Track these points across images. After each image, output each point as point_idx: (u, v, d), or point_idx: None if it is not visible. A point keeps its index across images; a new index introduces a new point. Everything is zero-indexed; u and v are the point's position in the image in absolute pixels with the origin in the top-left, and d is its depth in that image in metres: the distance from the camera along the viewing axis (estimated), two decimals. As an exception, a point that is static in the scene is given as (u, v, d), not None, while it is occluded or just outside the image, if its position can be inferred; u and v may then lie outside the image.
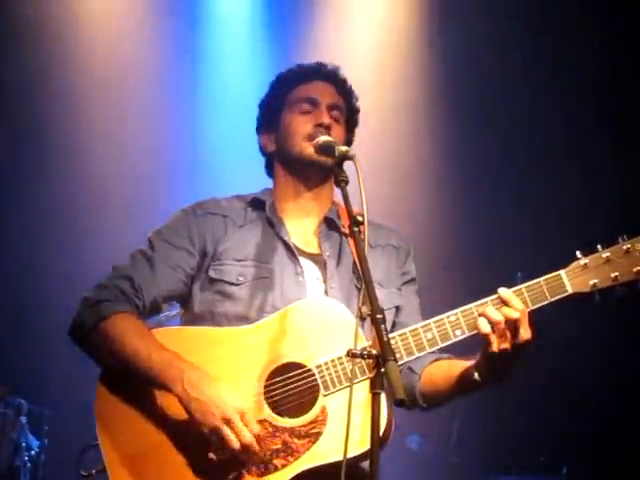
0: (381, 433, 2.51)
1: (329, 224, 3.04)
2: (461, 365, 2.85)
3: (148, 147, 6.16)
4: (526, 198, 6.01)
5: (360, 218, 2.49)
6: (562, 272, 2.78)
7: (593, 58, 5.91)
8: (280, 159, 3.09)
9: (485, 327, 2.70)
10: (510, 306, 2.70)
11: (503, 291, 2.74)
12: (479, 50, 6.07)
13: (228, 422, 2.63)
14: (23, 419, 5.41)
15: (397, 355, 2.71)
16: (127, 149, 6.15)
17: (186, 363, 2.71)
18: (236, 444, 2.63)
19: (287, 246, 2.97)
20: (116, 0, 6.26)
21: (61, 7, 6.13)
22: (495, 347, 2.69)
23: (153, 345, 2.76)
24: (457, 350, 2.87)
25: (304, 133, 2.99)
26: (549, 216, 5.90)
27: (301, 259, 2.96)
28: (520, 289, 2.77)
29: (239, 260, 2.93)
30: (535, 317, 2.74)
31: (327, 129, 2.97)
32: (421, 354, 2.78)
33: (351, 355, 2.38)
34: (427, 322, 2.79)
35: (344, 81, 3.14)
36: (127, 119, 6.15)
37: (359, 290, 2.85)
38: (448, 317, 2.77)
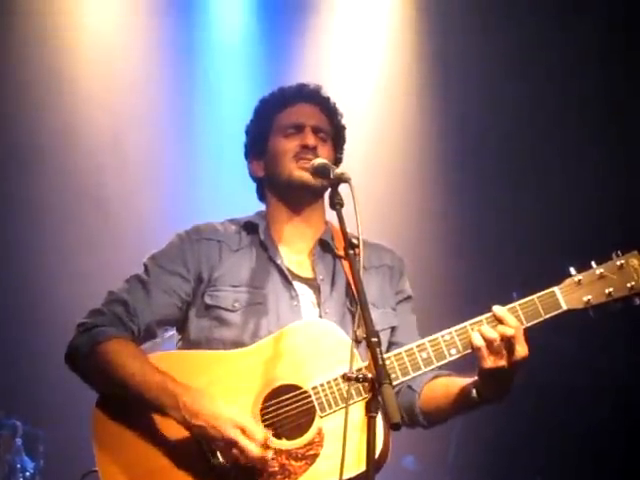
0: (377, 455, 2.56)
1: (323, 246, 3.09)
2: (460, 383, 2.89)
3: (146, 167, 6.20)
4: (521, 219, 6.05)
5: (355, 241, 2.55)
6: (556, 289, 2.83)
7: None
8: (270, 183, 3.14)
9: (478, 341, 2.75)
10: (504, 323, 2.76)
11: (497, 309, 2.80)
12: (478, 63, 6.13)
13: (231, 441, 2.67)
14: (18, 440, 5.46)
15: (393, 375, 2.76)
16: (125, 168, 6.20)
17: (181, 386, 2.76)
18: (244, 459, 2.66)
19: (281, 271, 3.02)
20: (111, 15, 6.29)
21: (52, 27, 6.16)
22: (489, 363, 2.74)
23: (148, 369, 2.80)
24: (456, 367, 2.90)
25: (290, 154, 3.05)
26: (545, 236, 5.95)
27: (295, 283, 3.01)
28: (514, 307, 2.82)
29: (234, 286, 2.98)
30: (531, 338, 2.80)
31: (313, 150, 3.03)
32: (417, 374, 2.82)
33: (346, 379, 2.43)
34: (422, 341, 2.83)
35: (327, 100, 3.19)
36: (124, 144, 6.19)
37: (353, 314, 2.93)
38: (443, 336, 2.81)
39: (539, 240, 5.91)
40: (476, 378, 2.82)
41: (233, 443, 2.68)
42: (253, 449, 2.67)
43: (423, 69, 6.40)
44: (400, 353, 2.81)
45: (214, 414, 2.70)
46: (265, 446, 2.70)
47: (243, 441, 2.67)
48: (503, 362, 2.74)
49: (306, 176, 2.97)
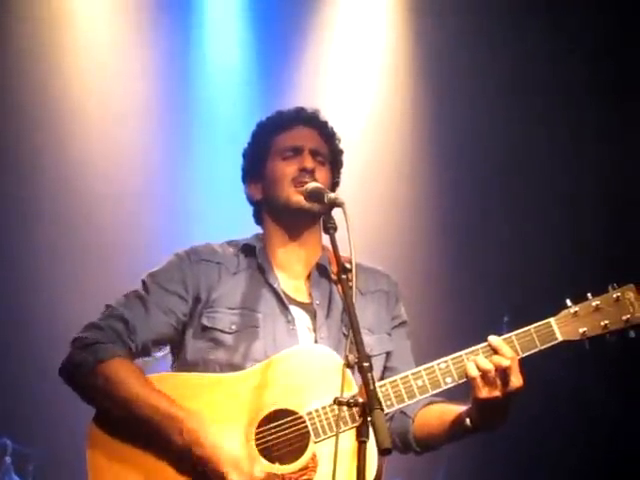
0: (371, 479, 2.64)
1: (320, 270, 3.13)
2: (454, 410, 2.93)
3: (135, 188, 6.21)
4: (516, 245, 6.06)
5: (348, 266, 2.58)
6: (552, 320, 2.88)
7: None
8: (268, 207, 3.17)
9: (473, 371, 2.79)
10: (500, 354, 2.80)
11: (493, 339, 2.84)
12: (472, 77, 6.17)
13: (224, 476, 2.71)
14: (8, 459, 5.48)
15: (388, 402, 2.81)
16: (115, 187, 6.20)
17: (185, 412, 2.80)
18: None
19: (277, 294, 3.05)
20: (104, 35, 6.29)
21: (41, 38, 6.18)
22: (484, 394, 2.78)
23: (152, 393, 2.84)
24: (451, 393, 2.92)
25: (289, 178, 3.08)
26: (537, 260, 5.98)
27: (292, 307, 3.04)
28: (510, 337, 2.86)
29: (231, 308, 3.01)
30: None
31: (311, 173, 3.07)
32: (412, 401, 2.86)
33: (337, 403, 2.47)
34: (418, 369, 2.87)
35: (325, 124, 3.23)
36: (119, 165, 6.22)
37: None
38: (438, 364, 2.85)
39: (533, 266, 5.92)
40: (470, 406, 2.85)
41: (225, 477, 2.71)
42: None
43: (419, 97, 6.44)
44: (395, 380, 2.85)
45: (216, 446, 2.75)
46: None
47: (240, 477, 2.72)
48: (497, 393, 2.78)
49: (303, 201, 3.00)
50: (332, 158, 3.21)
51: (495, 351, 2.81)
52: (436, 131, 6.37)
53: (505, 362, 2.77)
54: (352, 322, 2.49)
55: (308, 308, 3.06)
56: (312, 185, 2.94)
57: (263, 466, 2.77)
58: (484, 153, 6.15)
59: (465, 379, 2.82)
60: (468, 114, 6.16)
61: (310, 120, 3.20)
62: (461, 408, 2.90)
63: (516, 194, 6.11)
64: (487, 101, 6.11)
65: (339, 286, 2.93)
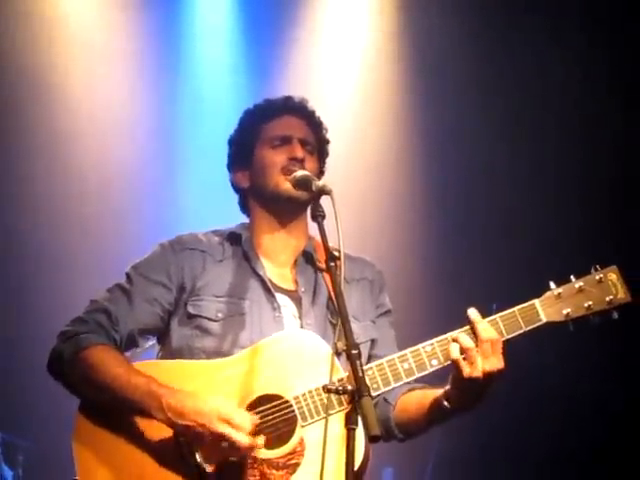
0: (357, 467, 2.65)
1: (306, 258, 3.16)
2: (433, 394, 2.97)
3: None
4: (501, 228, 6.09)
5: (336, 253, 2.60)
6: (536, 301, 2.93)
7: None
8: (255, 195, 3.20)
9: (455, 353, 2.84)
10: (479, 328, 2.83)
11: (472, 312, 2.86)
12: (462, 72, 6.18)
13: (220, 436, 2.71)
14: (-3, 449, 5.52)
15: (374, 385, 2.85)
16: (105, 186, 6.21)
17: (165, 388, 2.81)
18: (234, 451, 2.71)
19: (263, 282, 3.09)
20: (92, 21, 6.26)
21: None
22: (465, 373, 2.82)
23: (132, 372, 2.86)
24: (433, 380, 2.96)
25: (279, 166, 3.11)
26: (525, 247, 6.01)
27: (277, 295, 3.08)
28: (495, 319, 2.91)
29: (217, 296, 3.04)
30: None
31: (301, 162, 3.09)
32: (398, 384, 2.90)
33: (326, 390, 2.48)
34: (404, 352, 2.91)
35: (313, 113, 3.26)
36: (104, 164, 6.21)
37: (334, 326, 3.00)
38: (424, 347, 2.89)
39: (522, 252, 5.95)
40: (448, 387, 2.90)
41: (221, 437, 2.72)
42: (242, 439, 2.72)
43: (405, 88, 6.45)
44: (382, 364, 2.89)
45: (199, 411, 2.75)
46: (254, 432, 2.74)
47: (231, 433, 2.72)
48: (478, 373, 2.81)
49: (292, 189, 3.01)
50: (319, 148, 3.24)
51: (473, 326, 2.84)
52: (422, 122, 6.36)
53: (485, 335, 2.80)
54: (341, 309, 2.51)
55: (294, 295, 3.09)
56: (300, 173, 2.96)
57: (253, 417, 2.77)
58: (469, 144, 6.17)
59: (450, 361, 2.85)
60: (455, 107, 6.17)
61: (298, 109, 3.23)
62: (439, 391, 2.94)
63: (502, 181, 6.15)
64: (473, 94, 6.12)
65: (325, 274, 3.05)
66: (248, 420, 2.76)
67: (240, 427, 2.73)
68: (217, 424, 2.73)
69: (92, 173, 6.13)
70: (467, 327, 2.88)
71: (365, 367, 2.84)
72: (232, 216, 3.26)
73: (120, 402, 2.84)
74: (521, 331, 2.90)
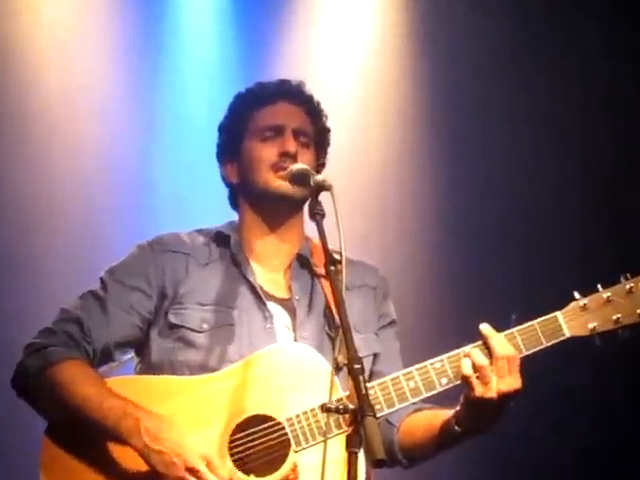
0: (358, 494, 2.58)
1: (301, 262, 3.09)
2: (443, 415, 2.90)
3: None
4: (522, 231, 5.99)
5: (337, 256, 2.54)
6: (559, 314, 2.87)
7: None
8: (244, 192, 3.14)
9: (467, 369, 2.79)
10: (493, 345, 2.79)
11: (485, 327, 2.83)
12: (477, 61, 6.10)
13: (193, 471, 2.69)
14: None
15: (377, 407, 2.79)
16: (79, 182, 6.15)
17: (142, 411, 2.76)
18: None
19: (253, 289, 3.03)
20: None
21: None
22: (477, 393, 2.77)
23: (105, 393, 2.80)
24: (443, 400, 2.93)
25: (268, 162, 3.05)
26: (545, 254, 5.92)
27: (269, 303, 3.02)
28: (512, 333, 2.85)
29: (202, 304, 2.99)
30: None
31: (293, 158, 3.01)
32: (403, 405, 2.84)
33: (325, 410, 2.43)
34: (409, 370, 2.85)
35: (310, 99, 3.19)
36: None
37: (332, 339, 2.97)
38: (433, 364, 2.84)
39: (542, 257, 5.85)
40: (458, 408, 2.84)
41: (194, 472, 2.69)
42: None
43: (415, 72, 6.31)
44: (385, 382, 2.83)
45: (178, 442, 2.71)
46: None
47: (206, 473, 2.68)
48: (492, 393, 2.77)
49: (285, 186, 2.96)
50: (318, 138, 3.17)
51: (485, 341, 2.80)
52: (432, 112, 6.25)
53: (500, 351, 2.76)
54: (342, 319, 2.44)
55: (287, 304, 3.03)
56: (297, 167, 2.87)
57: (237, 478, 2.72)
58: (482, 137, 6.08)
59: (461, 380, 2.80)
60: (469, 96, 6.07)
61: (294, 94, 3.16)
62: (449, 412, 2.88)
63: (519, 178, 6.11)
64: (489, 81, 6.03)
65: (323, 280, 3.02)
66: (227, 469, 2.72)
67: (217, 470, 2.69)
68: (194, 458, 2.69)
69: (63, 169, 6.12)
70: (480, 342, 2.83)
71: (367, 385, 2.70)
72: (219, 214, 3.19)
73: (92, 425, 2.78)
74: (542, 347, 2.84)
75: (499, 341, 2.81)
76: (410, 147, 6.43)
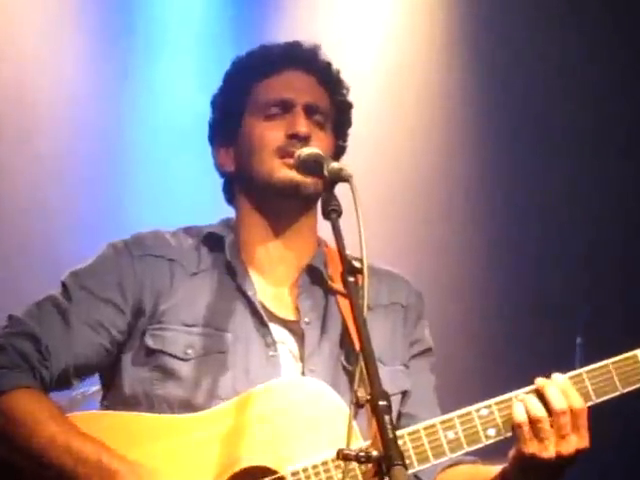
0: None
1: (312, 275, 2.96)
2: (487, 473, 2.82)
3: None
4: (587, 244, 5.95)
5: (357, 264, 2.40)
6: (639, 352, 2.78)
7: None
8: (243, 183, 3.01)
9: (520, 415, 2.69)
10: (558, 402, 2.70)
11: (540, 381, 2.73)
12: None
13: None
14: None
15: (406, 462, 2.60)
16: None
17: (120, 461, 2.65)
18: None
19: (253, 307, 2.90)
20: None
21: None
22: (530, 449, 2.68)
23: (72, 434, 2.69)
24: (487, 453, 2.81)
25: (273, 146, 2.92)
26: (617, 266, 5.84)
27: (272, 326, 2.90)
28: (580, 374, 2.76)
29: (188, 325, 2.87)
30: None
31: (305, 141, 2.86)
32: (439, 461, 2.74)
33: (342, 457, 2.27)
34: (449, 416, 2.74)
35: (327, 67, 3.06)
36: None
37: (348, 373, 2.88)
38: (478, 410, 2.74)
39: (613, 274, 5.75)
40: (508, 465, 2.74)
41: None
42: None
43: (454, 39, 6.43)
44: (417, 431, 2.72)
45: None
46: None
47: None
48: (550, 452, 2.67)
49: (293, 176, 2.83)
50: (336, 115, 3.03)
51: (541, 391, 2.73)
52: (469, 93, 6.29)
53: (559, 406, 2.68)
54: (364, 344, 2.31)
55: (294, 328, 2.91)
56: (307, 151, 2.73)
57: None
58: (542, 126, 6.10)
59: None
60: (516, 80, 6.18)
61: (306, 61, 3.02)
62: (497, 469, 2.79)
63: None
64: (537, 63, 6.15)
65: (339, 298, 2.89)
66: None
67: None
68: None
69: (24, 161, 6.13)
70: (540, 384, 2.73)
71: None
72: (208, 211, 3.06)
73: (54, 474, 2.66)
74: (616, 393, 2.76)
75: (560, 388, 2.71)
76: (444, 130, 6.49)
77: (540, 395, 2.71)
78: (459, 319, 5.20)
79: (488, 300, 5.98)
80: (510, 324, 5.68)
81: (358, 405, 2.29)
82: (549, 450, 2.67)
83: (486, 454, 2.85)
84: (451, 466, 2.89)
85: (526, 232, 6.16)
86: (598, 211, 6.07)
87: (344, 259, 2.43)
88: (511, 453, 2.72)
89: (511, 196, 6.29)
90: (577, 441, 2.69)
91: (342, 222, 2.52)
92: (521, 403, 2.70)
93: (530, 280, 6.04)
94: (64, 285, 2.89)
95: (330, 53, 3.08)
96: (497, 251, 6.26)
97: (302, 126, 2.93)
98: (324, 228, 2.63)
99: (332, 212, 2.50)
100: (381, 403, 2.26)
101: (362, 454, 2.27)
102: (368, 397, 2.28)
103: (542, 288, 5.92)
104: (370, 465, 2.28)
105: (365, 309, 2.39)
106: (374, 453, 2.25)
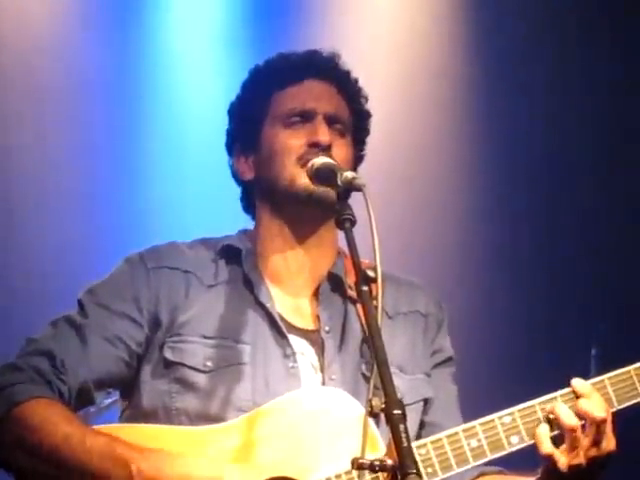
0: None
1: (333, 284, 3.01)
2: None
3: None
4: (606, 251, 5.94)
5: (372, 273, 2.43)
6: None
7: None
8: (263, 192, 3.05)
9: (546, 429, 2.74)
10: (597, 412, 2.74)
11: (578, 383, 2.77)
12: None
13: None
14: None
15: (429, 470, 2.71)
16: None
17: (134, 450, 2.70)
18: None
19: (271, 318, 2.94)
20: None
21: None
22: (563, 462, 2.71)
23: (87, 432, 2.73)
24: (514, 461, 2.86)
25: (295, 155, 2.95)
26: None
27: (291, 337, 2.93)
28: (602, 381, 2.81)
29: (207, 337, 2.91)
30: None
31: (327, 150, 2.89)
32: (462, 469, 2.76)
33: (357, 467, 2.30)
34: (471, 425, 2.78)
35: (347, 76, 3.09)
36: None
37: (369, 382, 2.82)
38: (501, 418, 2.78)
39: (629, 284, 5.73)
40: (539, 477, 2.77)
41: None
42: None
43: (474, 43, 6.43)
44: (440, 440, 2.74)
45: (183, 477, 2.67)
46: None
47: None
48: (580, 459, 2.70)
49: (305, 181, 2.88)
50: (356, 124, 3.07)
51: (578, 394, 2.76)
52: (500, 91, 6.30)
53: (598, 415, 2.71)
54: (377, 352, 2.34)
55: (314, 338, 2.95)
56: (320, 160, 2.79)
57: None
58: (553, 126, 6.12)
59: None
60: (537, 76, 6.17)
61: (326, 70, 3.07)
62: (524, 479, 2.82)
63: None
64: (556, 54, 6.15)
65: (358, 305, 2.87)
66: None
67: None
68: None
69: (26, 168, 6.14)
70: (563, 391, 2.79)
71: (416, 443, 2.71)
72: (225, 221, 3.10)
73: (71, 471, 2.71)
74: (636, 400, 2.83)
75: (597, 401, 2.76)
76: (459, 134, 6.45)
77: (579, 397, 2.77)
78: (475, 331, 5.18)
79: (506, 307, 5.96)
80: (522, 335, 5.69)
81: (372, 414, 2.31)
82: (581, 456, 2.72)
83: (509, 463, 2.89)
84: (477, 477, 2.93)
85: (539, 227, 6.23)
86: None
87: (357, 268, 2.47)
88: (543, 466, 2.78)
89: (537, 205, 6.19)
90: (606, 444, 2.74)
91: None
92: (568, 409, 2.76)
93: (547, 282, 5.99)
94: (80, 302, 2.94)
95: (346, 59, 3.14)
96: (516, 265, 6.16)
97: (324, 135, 2.97)
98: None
99: (345, 221, 2.53)
100: (395, 412, 2.29)
101: (377, 463, 2.30)
102: (383, 406, 2.30)
103: (557, 291, 5.86)
104: (385, 473, 2.32)
105: (380, 318, 2.41)
106: (389, 462, 2.28)
